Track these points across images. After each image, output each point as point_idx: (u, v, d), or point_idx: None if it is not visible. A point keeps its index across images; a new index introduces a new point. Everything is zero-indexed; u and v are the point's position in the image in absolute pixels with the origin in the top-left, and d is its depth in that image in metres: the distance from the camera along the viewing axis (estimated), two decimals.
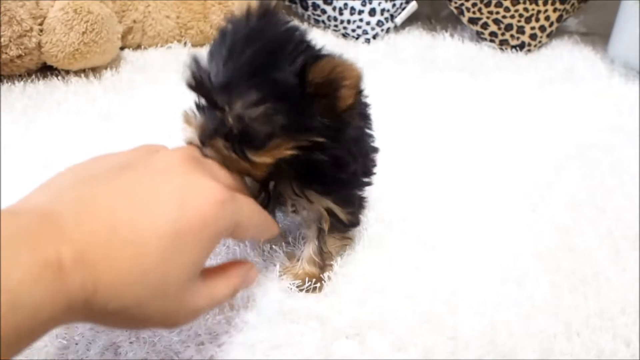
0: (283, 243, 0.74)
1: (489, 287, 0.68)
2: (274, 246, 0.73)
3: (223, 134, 0.56)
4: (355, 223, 0.70)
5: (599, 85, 1.23)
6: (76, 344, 0.59)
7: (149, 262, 0.43)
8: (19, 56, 1.04)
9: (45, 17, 1.05)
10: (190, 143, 0.58)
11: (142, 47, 1.27)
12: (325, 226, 0.67)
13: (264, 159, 0.57)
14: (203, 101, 0.57)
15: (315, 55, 0.55)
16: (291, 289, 0.67)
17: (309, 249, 0.69)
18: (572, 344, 0.62)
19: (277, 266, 0.70)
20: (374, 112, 0.83)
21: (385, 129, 0.77)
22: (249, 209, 0.53)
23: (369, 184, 0.70)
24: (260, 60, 0.54)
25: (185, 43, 1.31)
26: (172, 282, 0.45)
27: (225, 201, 0.48)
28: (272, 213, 0.65)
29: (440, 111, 1.13)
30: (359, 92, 0.58)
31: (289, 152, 0.57)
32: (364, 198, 0.71)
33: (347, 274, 0.70)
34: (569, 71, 1.30)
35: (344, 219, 0.66)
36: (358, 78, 0.55)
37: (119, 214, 0.43)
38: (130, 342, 0.60)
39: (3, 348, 0.36)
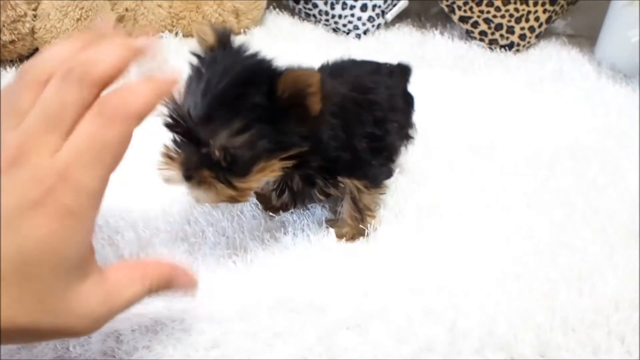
0: (283, 232, 0.74)
1: (488, 281, 0.69)
2: (276, 233, 0.73)
3: (207, 166, 0.58)
4: (384, 178, 0.77)
5: (587, 86, 1.25)
6: None
7: (12, 289, 0.41)
8: (12, 41, 1.03)
9: (39, 3, 1.04)
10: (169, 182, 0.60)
11: (133, 35, 1.26)
12: (357, 193, 0.72)
13: (250, 184, 0.60)
14: (181, 137, 0.59)
15: (279, 72, 0.59)
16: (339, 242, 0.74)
17: (347, 207, 0.74)
18: (568, 339, 0.63)
19: (277, 255, 0.71)
20: None
21: None
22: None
23: (388, 147, 0.76)
24: (237, 90, 0.57)
25: (176, 33, 1.30)
26: (50, 299, 0.43)
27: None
28: (301, 204, 0.75)
29: (430, 108, 1.13)
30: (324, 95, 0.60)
31: (274, 173, 0.61)
32: (390, 157, 0.78)
33: (349, 265, 0.70)
34: (557, 72, 1.32)
35: (363, 188, 0.72)
36: (319, 82, 0.58)
37: None
38: (132, 330, 0.60)
39: None
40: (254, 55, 0.61)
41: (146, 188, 0.75)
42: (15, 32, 1.02)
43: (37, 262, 0.42)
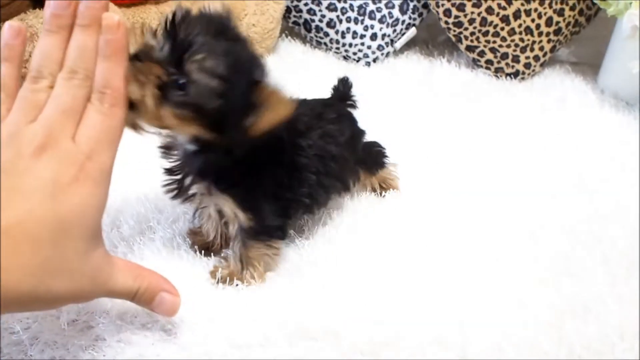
0: (299, 259, 0.78)
1: (495, 310, 0.71)
2: (293, 260, 0.77)
3: (164, 66, 0.59)
4: (262, 232, 0.73)
5: (591, 114, 1.28)
6: None
7: (47, 250, 0.51)
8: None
9: None
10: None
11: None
12: (232, 228, 0.72)
13: (170, 120, 0.61)
14: (169, 34, 0.60)
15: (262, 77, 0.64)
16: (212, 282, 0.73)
17: (232, 249, 0.74)
18: None
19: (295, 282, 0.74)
20: (372, 133, 0.91)
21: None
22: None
23: (291, 199, 0.75)
24: (235, 51, 0.61)
25: None
26: (71, 260, 0.53)
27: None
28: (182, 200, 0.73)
29: (436, 135, 1.17)
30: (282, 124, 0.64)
31: (187, 131, 0.64)
32: (286, 211, 0.75)
33: (362, 292, 0.73)
34: (561, 100, 1.35)
35: (243, 223, 0.70)
36: (287, 115, 0.63)
37: (9, 215, 0.49)
38: (157, 355, 0.63)
39: None
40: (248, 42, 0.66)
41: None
42: None
43: (70, 227, 0.52)
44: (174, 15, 0.60)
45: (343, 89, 0.92)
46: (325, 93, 0.95)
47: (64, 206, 0.52)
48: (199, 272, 0.74)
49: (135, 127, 0.62)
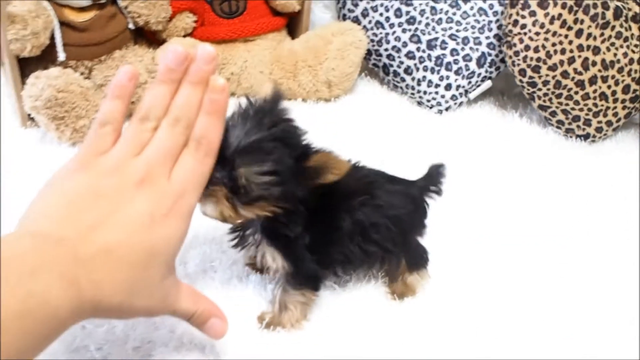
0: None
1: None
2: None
3: (224, 184, 0.71)
4: (299, 280, 0.82)
5: None
6: None
7: (138, 272, 0.59)
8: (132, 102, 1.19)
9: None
10: None
11: (236, 95, 1.42)
12: (272, 274, 0.84)
13: (246, 213, 0.73)
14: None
15: (311, 148, 0.75)
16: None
17: (273, 294, 0.84)
18: None
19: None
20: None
21: (446, 199, 0.92)
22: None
23: (325, 255, 0.83)
24: (275, 143, 0.71)
25: None
26: (153, 283, 0.61)
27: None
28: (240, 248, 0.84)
29: (499, 188, 1.22)
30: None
31: (263, 213, 0.74)
32: (320, 265, 0.83)
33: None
34: (633, 164, 1.37)
35: (281, 270, 0.81)
36: (345, 171, 0.74)
37: (110, 236, 0.58)
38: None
39: (43, 346, 0.53)
40: (292, 121, 0.76)
41: None
42: (136, 96, 1.13)
43: (158, 255, 0.61)
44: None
45: (434, 175, 0.92)
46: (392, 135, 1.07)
47: (156, 236, 0.60)
48: (248, 315, 0.84)
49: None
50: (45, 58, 1.23)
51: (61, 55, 1.21)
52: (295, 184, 0.73)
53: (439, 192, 0.91)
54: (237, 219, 0.74)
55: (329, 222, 0.82)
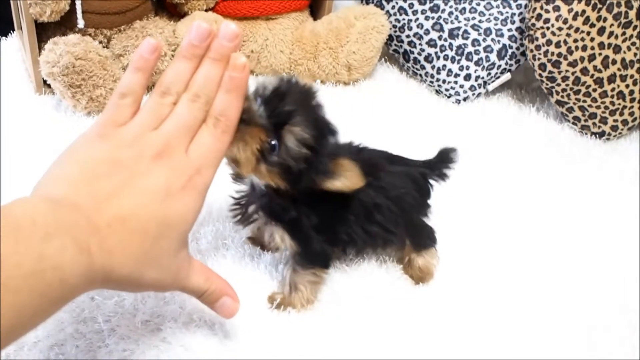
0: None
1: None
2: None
3: (266, 130, 0.70)
4: (308, 260, 0.83)
5: None
6: None
7: (149, 244, 0.59)
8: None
9: (178, 45, 1.19)
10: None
11: (255, 74, 1.41)
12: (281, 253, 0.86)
13: (263, 174, 0.73)
14: (267, 102, 0.71)
15: (338, 150, 0.77)
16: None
17: (283, 274, 0.86)
18: None
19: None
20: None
21: (459, 189, 0.94)
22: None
23: (331, 234, 0.83)
24: (322, 126, 0.74)
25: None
26: (165, 256, 0.61)
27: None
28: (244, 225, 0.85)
29: (512, 180, 1.22)
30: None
31: (275, 181, 0.73)
32: (328, 244, 0.83)
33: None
34: None
35: (289, 249, 0.81)
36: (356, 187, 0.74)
37: (125, 206, 0.58)
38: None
39: (52, 311, 0.53)
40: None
41: None
42: (156, 70, 1.17)
43: (171, 228, 0.61)
44: (271, 86, 0.70)
45: (444, 158, 0.91)
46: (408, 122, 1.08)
47: (171, 209, 0.60)
48: (259, 294, 0.84)
49: (237, 176, 0.78)
50: (64, 25, 1.22)
51: (80, 23, 1.20)
52: (313, 172, 0.73)
53: (442, 176, 0.91)
54: (246, 173, 0.74)
55: (335, 203, 0.81)
